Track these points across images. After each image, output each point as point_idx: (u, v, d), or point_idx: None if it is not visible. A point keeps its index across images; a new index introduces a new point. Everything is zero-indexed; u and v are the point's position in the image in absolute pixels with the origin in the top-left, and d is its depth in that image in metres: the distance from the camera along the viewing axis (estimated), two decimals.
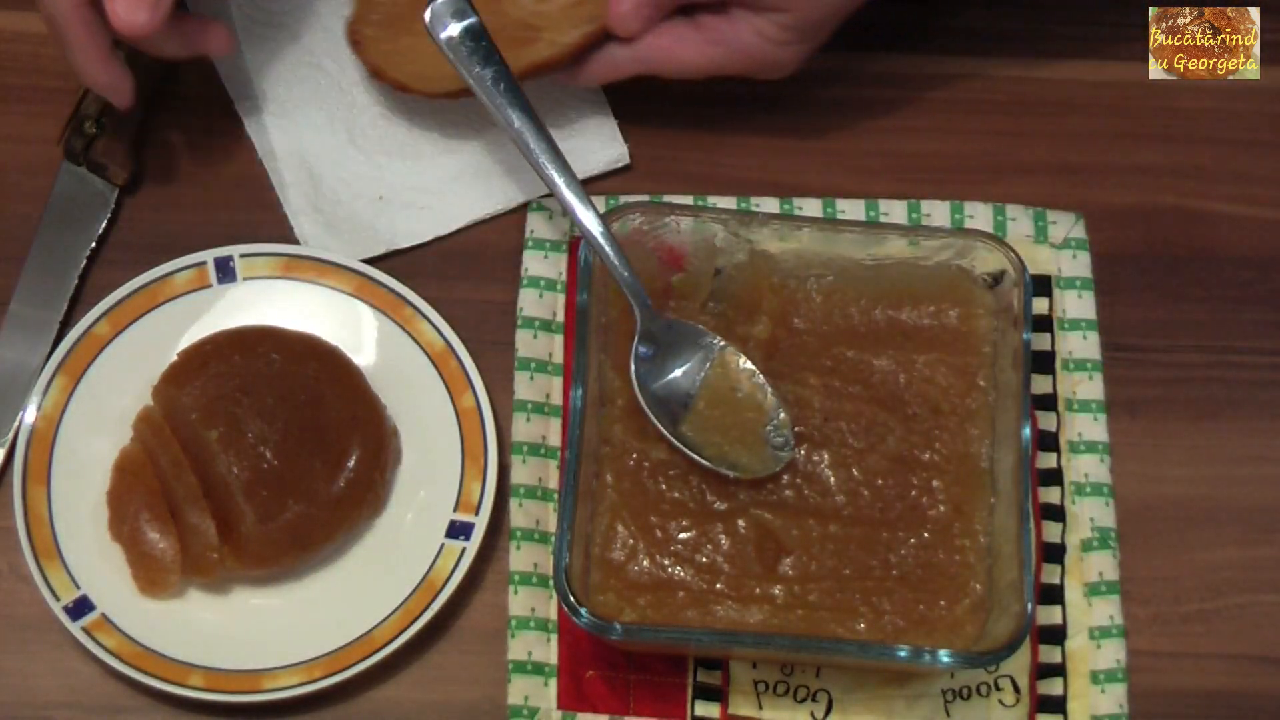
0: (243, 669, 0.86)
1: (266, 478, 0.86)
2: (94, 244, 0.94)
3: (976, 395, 0.88)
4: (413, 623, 0.86)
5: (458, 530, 0.88)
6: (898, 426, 0.88)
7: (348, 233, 0.95)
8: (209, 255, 0.92)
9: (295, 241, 0.94)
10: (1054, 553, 0.90)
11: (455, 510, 0.88)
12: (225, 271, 0.92)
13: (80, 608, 0.86)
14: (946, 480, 0.87)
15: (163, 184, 0.96)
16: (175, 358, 0.89)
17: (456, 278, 0.94)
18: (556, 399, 0.92)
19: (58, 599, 0.86)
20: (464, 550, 0.87)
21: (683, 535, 0.86)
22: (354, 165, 0.96)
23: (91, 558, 0.87)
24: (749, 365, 0.88)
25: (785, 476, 0.87)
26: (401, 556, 0.88)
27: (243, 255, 0.92)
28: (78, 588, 0.86)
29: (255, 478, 0.86)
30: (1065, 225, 0.96)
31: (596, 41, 0.92)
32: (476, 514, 0.88)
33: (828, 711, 0.87)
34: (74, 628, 0.85)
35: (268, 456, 0.86)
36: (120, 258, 0.94)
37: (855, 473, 0.87)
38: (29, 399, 0.89)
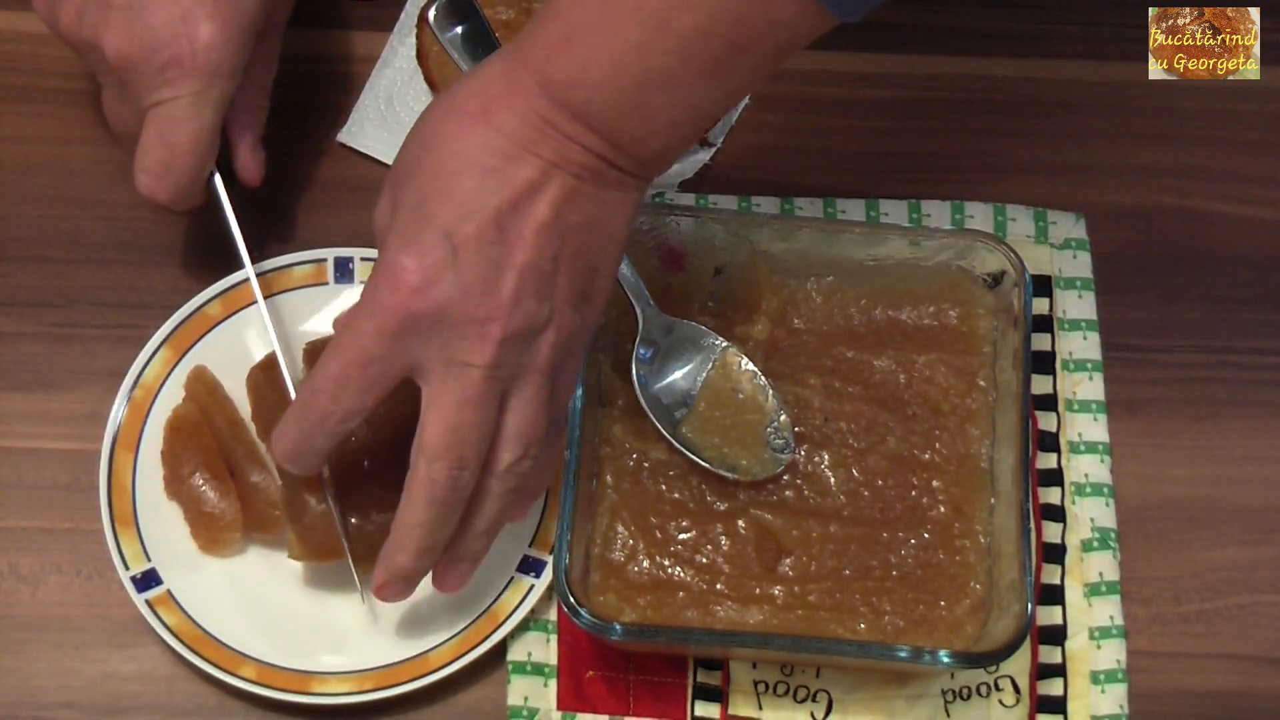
0: (295, 668, 0.85)
1: (359, 478, 0.85)
2: None
3: (976, 395, 0.88)
4: (470, 650, 0.85)
5: (530, 566, 0.87)
6: (898, 427, 0.88)
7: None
8: (330, 253, 0.92)
9: None
10: (1054, 553, 0.90)
11: (530, 546, 0.87)
12: (344, 272, 0.91)
13: (148, 580, 0.85)
14: (946, 480, 0.87)
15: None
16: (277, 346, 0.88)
17: None
18: None
19: (127, 568, 0.86)
20: (532, 587, 0.86)
21: (683, 536, 0.86)
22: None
23: (163, 531, 0.87)
24: (750, 366, 0.88)
25: (785, 477, 0.87)
26: (470, 583, 0.84)
27: (364, 259, 0.91)
28: (148, 559, 0.86)
29: (347, 477, 0.84)
30: (1065, 225, 0.96)
31: None
32: (550, 552, 0.87)
33: (828, 712, 0.87)
34: (138, 599, 0.85)
35: (363, 463, 0.85)
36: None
37: (855, 473, 0.87)
38: (132, 367, 0.89)
